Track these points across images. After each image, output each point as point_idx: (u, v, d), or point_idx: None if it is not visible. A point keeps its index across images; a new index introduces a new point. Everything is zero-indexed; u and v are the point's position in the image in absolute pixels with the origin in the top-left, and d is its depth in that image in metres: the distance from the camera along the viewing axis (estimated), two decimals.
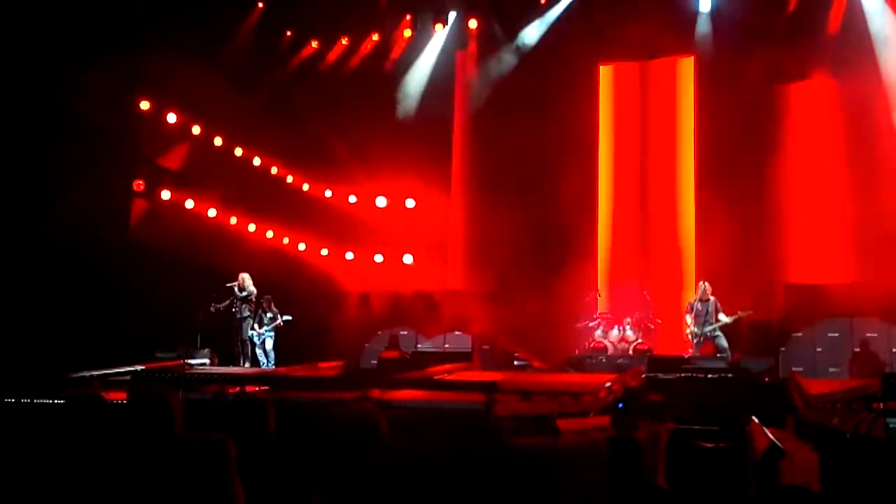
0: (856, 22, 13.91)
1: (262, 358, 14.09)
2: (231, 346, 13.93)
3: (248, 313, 13.94)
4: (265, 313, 14.12)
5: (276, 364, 13.88)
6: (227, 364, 13.64)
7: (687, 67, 15.50)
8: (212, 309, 13.30)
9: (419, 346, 14.47)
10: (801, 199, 14.08)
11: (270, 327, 14.06)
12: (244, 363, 13.84)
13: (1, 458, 3.69)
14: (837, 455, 5.60)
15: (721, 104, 14.48)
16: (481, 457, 5.49)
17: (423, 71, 16.60)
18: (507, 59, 16.10)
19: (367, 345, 14.82)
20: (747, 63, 14.11)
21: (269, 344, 14.11)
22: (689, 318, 12.68)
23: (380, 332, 14.90)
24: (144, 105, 14.28)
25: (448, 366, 11.78)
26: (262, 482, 3.46)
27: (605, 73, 16.06)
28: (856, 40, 13.75)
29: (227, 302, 13.70)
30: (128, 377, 10.69)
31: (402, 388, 9.24)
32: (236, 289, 13.77)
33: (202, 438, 3.08)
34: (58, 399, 7.59)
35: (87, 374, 10.64)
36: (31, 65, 12.40)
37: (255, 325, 14.07)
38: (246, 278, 13.89)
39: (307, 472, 3.63)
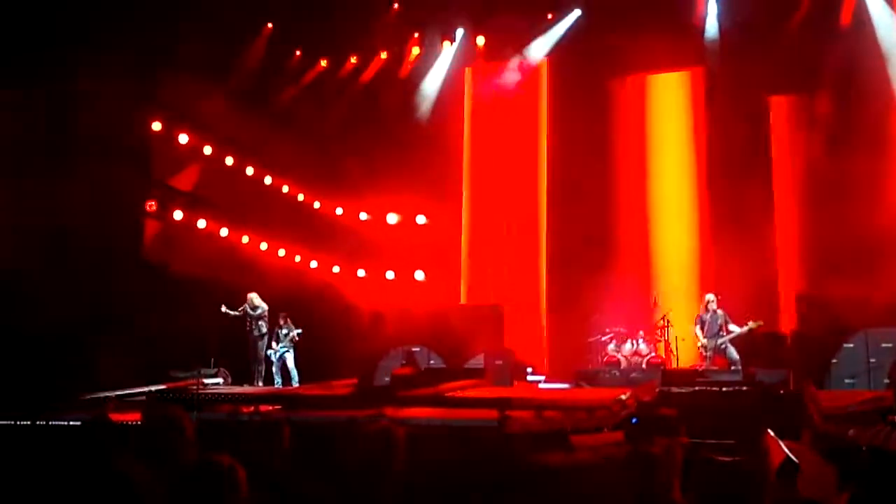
0: (864, 31, 13.90)
1: (277, 377, 14.12)
2: (247, 364, 14.01)
3: (264, 331, 14.02)
4: (281, 330, 14.19)
5: (300, 380, 13.92)
6: (242, 383, 13.70)
7: (695, 80, 15.51)
8: (223, 309, 13.42)
9: (431, 362, 14.45)
10: (812, 209, 14.03)
11: (286, 343, 14.11)
12: (258, 382, 13.88)
13: (15, 481, 3.71)
14: (854, 468, 5.55)
15: (729, 115, 14.47)
16: (495, 474, 5.48)
17: (432, 88, 16.68)
18: (515, 75, 16.15)
19: (381, 362, 14.80)
20: (754, 74, 14.12)
21: (291, 361, 14.15)
22: (698, 331, 12.62)
23: (393, 350, 14.87)
24: (156, 126, 14.38)
25: (460, 382, 11.75)
26: (277, 500, 3.47)
27: (612, 87, 16.08)
28: (864, 49, 13.74)
29: (240, 315, 13.83)
30: (142, 398, 10.74)
31: (414, 405, 9.23)
32: (248, 308, 13.90)
33: (210, 462, 3.08)
34: (72, 421, 7.64)
35: (101, 395, 10.70)
36: (44, 86, 12.53)
37: (273, 343, 14.13)
38: (254, 297, 14.03)
39: (323, 490, 3.64)
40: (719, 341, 12.30)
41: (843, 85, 13.88)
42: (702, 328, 12.52)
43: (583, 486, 5.63)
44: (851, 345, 12.32)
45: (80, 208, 12.71)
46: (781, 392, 9.85)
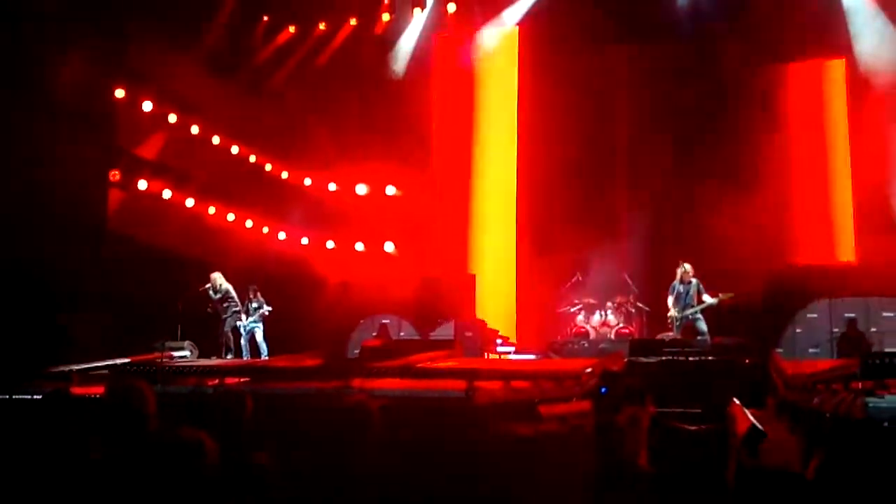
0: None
1: (245, 350, 13.96)
2: (215, 338, 13.83)
3: (235, 309, 13.76)
4: (251, 303, 13.99)
5: (269, 354, 13.77)
6: (210, 356, 13.55)
7: (668, 53, 15.44)
8: (200, 290, 13.20)
9: (402, 333, 14.43)
10: (778, 183, 14.16)
11: (255, 317, 13.94)
12: (226, 355, 13.74)
13: None
14: (817, 436, 5.63)
15: (705, 85, 14.51)
16: (463, 444, 5.47)
17: (402, 55, 16.47)
18: (486, 43, 16.02)
19: (351, 334, 14.75)
20: (727, 44, 14.15)
21: (259, 336, 13.94)
22: (670, 301, 12.63)
23: (362, 321, 14.83)
24: (119, 93, 14.04)
25: (430, 353, 11.73)
26: (238, 472, 3.42)
27: (586, 56, 15.91)
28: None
29: (205, 299, 13.60)
30: (106, 371, 10.58)
31: (382, 377, 9.19)
32: (211, 291, 13.63)
33: (178, 437, 3.01)
34: (35, 395, 7.52)
35: (65, 368, 10.53)
36: (7, 51, 12.16)
37: (243, 316, 13.90)
38: (217, 277, 13.72)
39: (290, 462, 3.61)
40: (688, 312, 12.32)
41: (833, 52, 14.00)
42: (675, 299, 12.50)
43: (550, 455, 5.65)
44: (815, 315, 12.50)
45: (44, 176, 12.41)
46: (747, 361, 9.98)
